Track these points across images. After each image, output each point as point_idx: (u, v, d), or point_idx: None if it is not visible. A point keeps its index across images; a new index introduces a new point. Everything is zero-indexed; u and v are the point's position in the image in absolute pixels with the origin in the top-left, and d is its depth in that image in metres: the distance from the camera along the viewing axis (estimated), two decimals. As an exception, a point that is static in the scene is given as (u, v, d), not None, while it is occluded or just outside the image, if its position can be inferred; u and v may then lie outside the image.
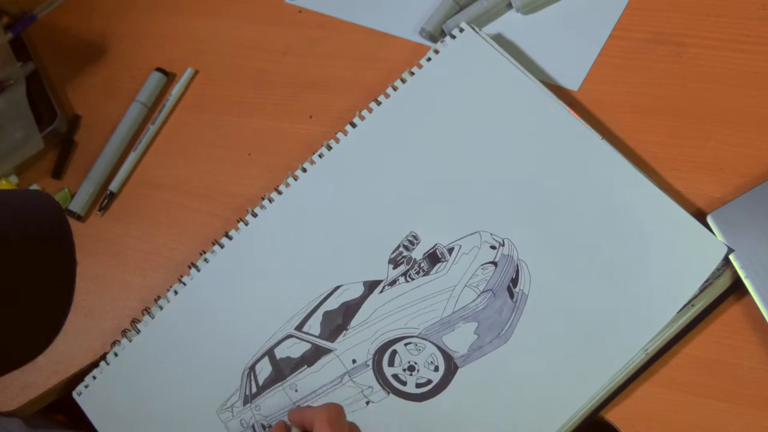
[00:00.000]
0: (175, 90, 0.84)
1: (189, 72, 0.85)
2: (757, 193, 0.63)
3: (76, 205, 0.83)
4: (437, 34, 0.77)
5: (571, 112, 0.68)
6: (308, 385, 0.69)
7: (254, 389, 0.70)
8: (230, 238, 0.74)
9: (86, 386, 0.76)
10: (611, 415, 0.63)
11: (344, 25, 0.82)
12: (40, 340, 0.44)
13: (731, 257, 0.62)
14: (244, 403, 0.71)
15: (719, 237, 0.62)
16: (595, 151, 0.66)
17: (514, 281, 0.66)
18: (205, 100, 0.84)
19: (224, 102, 0.83)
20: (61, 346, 0.79)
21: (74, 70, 0.90)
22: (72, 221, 0.83)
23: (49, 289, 0.45)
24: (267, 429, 0.70)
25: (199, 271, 0.75)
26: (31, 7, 0.93)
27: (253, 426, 0.70)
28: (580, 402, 0.62)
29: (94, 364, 0.76)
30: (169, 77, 0.86)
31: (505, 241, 0.67)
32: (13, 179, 0.85)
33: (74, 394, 0.76)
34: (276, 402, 0.70)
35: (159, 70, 0.85)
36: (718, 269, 0.62)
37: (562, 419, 0.62)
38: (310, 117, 0.78)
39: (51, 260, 0.46)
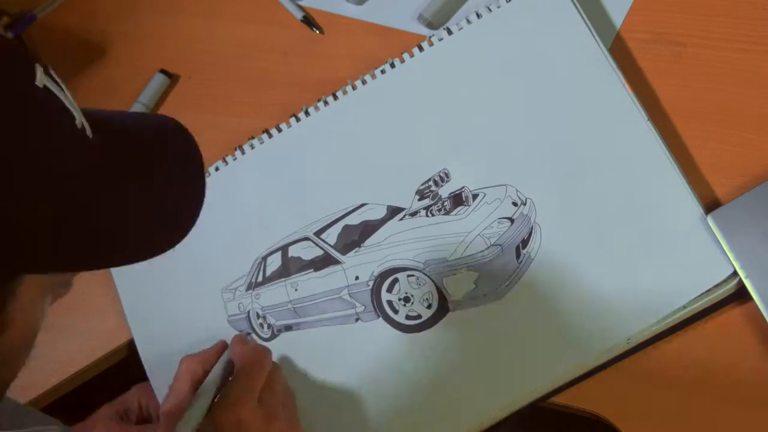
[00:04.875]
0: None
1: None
2: (757, 193, 0.63)
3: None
4: (436, 22, 0.77)
5: (627, 86, 0.67)
6: (308, 288, 0.71)
7: (260, 279, 0.73)
8: (280, 130, 0.76)
9: None
10: (611, 414, 0.63)
11: (344, 24, 0.82)
12: (177, 232, 0.49)
13: (731, 257, 0.62)
14: (247, 289, 0.73)
15: (719, 237, 0.62)
16: (638, 133, 0.66)
17: (525, 242, 0.67)
18: (206, 100, 0.84)
19: (224, 102, 0.83)
20: (61, 346, 0.79)
21: (74, 70, 0.90)
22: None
23: (185, 189, 0.50)
24: (259, 319, 0.72)
25: (243, 153, 0.77)
26: (31, 7, 0.93)
27: (248, 312, 0.73)
28: (548, 377, 0.64)
29: None
30: (173, 79, 0.86)
31: (528, 201, 0.68)
32: (14, 179, 0.85)
33: None
34: (275, 295, 0.72)
35: (162, 71, 0.85)
36: (719, 283, 0.62)
37: (528, 388, 0.64)
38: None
39: (184, 163, 0.51)
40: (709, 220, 0.63)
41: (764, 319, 0.60)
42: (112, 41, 0.90)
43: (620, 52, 0.72)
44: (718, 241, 0.62)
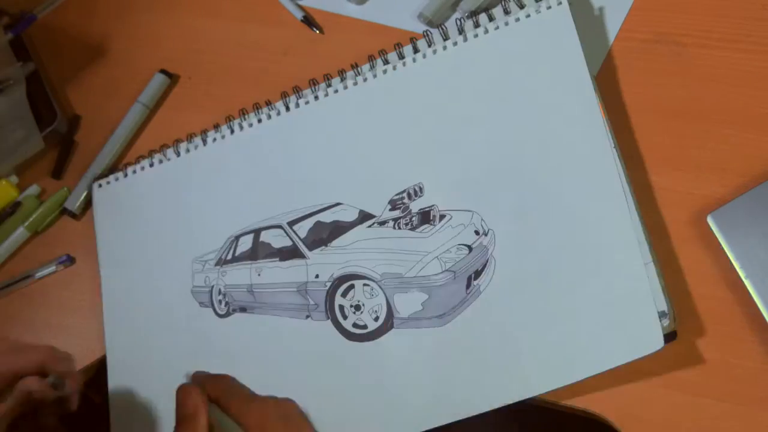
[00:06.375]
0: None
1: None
2: (757, 193, 0.63)
3: (72, 203, 0.83)
4: (436, 20, 0.77)
5: (608, 129, 0.66)
6: (271, 276, 0.73)
7: (229, 257, 0.75)
8: (269, 117, 0.78)
9: (107, 182, 0.82)
10: (611, 414, 0.63)
11: (345, 24, 0.82)
12: None
13: (731, 257, 0.62)
14: (215, 264, 0.75)
15: (719, 237, 0.62)
16: (605, 181, 0.65)
17: (477, 273, 0.67)
18: (206, 100, 0.84)
19: (225, 102, 0.83)
20: (60, 346, 0.79)
21: (74, 70, 0.90)
22: (68, 220, 0.83)
23: None
24: (219, 295, 0.74)
25: (242, 129, 0.78)
26: (31, 7, 0.93)
27: (212, 287, 0.75)
28: (470, 406, 0.64)
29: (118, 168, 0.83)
30: (173, 79, 0.86)
31: (489, 232, 0.67)
32: (13, 179, 0.85)
33: (94, 185, 0.82)
34: (239, 276, 0.74)
35: (162, 71, 0.85)
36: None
37: (454, 413, 0.65)
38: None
39: None
40: (709, 220, 0.63)
41: (764, 320, 0.60)
42: (112, 41, 0.90)
43: (620, 51, 0.72)
44: (657, 320, 0.61)
